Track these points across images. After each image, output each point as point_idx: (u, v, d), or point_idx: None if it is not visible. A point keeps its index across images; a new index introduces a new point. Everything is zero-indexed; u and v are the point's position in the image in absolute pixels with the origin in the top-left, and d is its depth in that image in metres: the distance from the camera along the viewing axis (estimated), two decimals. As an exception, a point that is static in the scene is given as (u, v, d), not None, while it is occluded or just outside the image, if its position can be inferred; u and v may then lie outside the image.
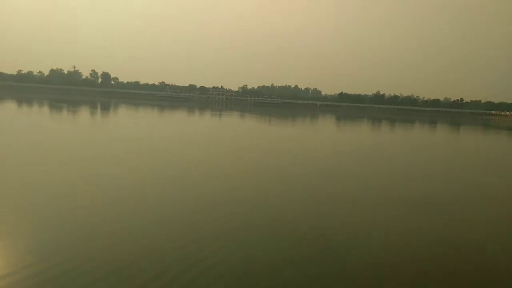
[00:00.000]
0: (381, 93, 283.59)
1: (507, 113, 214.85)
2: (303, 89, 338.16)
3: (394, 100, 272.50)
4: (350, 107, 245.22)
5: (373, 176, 27.02)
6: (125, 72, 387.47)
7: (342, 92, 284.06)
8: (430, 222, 16.88)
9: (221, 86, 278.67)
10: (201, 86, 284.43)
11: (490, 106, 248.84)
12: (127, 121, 68.32)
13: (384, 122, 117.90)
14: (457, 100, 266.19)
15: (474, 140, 72.91)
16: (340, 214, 17.20)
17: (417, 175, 28.64)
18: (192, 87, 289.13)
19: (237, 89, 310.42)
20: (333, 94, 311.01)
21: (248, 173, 25.85)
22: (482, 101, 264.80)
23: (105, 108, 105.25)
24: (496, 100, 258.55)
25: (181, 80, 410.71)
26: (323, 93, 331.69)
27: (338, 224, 15.78)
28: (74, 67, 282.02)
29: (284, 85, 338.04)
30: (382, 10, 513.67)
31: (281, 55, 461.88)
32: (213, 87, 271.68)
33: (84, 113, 77.97)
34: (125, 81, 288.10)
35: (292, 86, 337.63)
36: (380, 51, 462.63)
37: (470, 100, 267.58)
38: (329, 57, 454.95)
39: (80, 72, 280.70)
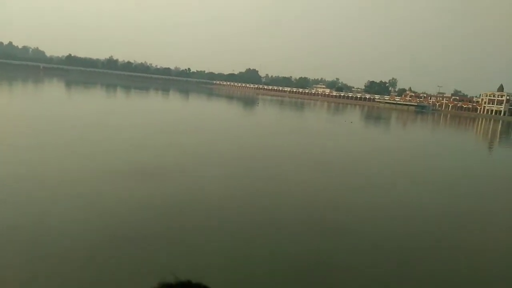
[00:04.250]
0: (114, 58, 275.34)
1: (224, 83, 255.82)
2: (20, 47, 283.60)
3: (128, 66, 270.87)
4: (81, 71, 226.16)
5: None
6: None
7: (70, 55, 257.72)
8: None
9: None
10: None
11: (212, 76, 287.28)
12: None
13: (119, 89, 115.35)
14: (186, 69, 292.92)
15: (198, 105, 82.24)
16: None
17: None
18: None
19: None
20: (60, 56, 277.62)
21: None
22: (206, 71, 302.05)
23: None
24: (216, 71, 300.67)
25: None
26: (47, 54, 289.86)
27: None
28: None
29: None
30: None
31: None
32: None
33: None
34: None
35: (5, 42, 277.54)
36: (109, 15, 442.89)
37: (196, 70, 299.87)
38: (47, 12, 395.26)
39: None
